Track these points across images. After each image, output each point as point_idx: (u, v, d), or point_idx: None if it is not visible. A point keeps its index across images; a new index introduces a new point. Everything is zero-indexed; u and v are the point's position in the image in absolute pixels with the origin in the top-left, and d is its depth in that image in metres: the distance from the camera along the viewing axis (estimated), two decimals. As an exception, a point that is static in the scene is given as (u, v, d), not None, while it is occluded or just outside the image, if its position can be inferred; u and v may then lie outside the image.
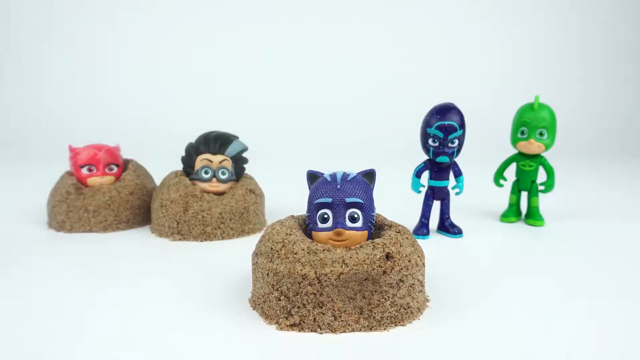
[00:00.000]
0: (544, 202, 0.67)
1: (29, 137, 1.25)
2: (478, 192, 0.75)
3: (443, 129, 0.54)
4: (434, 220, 0.61)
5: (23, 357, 0.32)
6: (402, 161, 0.79)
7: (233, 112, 1.30)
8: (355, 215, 0.37)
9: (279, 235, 0.37)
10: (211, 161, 0.57)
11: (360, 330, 0.35)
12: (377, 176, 0.41)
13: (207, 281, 0.44)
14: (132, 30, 1.39)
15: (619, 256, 0.52)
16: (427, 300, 0.40)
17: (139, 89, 1.36)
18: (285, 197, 0.71)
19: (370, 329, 0.35)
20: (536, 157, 0.62)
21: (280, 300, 0.36)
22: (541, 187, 0.62)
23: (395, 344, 0.34)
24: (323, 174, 0.40)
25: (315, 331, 0.35)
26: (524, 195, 0.65)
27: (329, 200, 0.37)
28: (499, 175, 0.65)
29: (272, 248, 0.37)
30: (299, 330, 0.35)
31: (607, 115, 1.41)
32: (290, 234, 0.37)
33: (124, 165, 0.63)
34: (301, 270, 0.35)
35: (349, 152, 1.19)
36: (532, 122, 0.59)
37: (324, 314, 0.35)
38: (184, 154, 0.59)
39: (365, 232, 0.38)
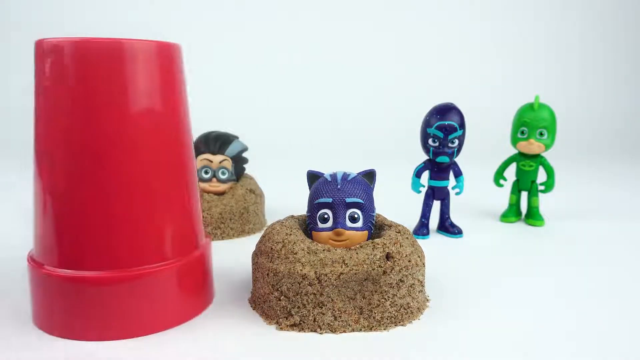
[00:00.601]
0: (544, 202, 0.67)
1: (29, 137, 1.25)
2: (478, 192, 0.75)
3: (443, 129, 0.54)
4: (434, 220, 0.61)
5: (22, 358, 0.32)
6: (402, 161, 0.79)
7: (233, 112, 1.30)
8: (356, 215, 0.37)
9: (279, 235, 0.37)
10: (211, 161, 0.57)
11: (360, 330, 0.35)
12: (377, 176, 0.41)
13: (207, 281, 0.44)
14: (132, 30, 1.39)
15: (619, 256, 0.52)
16: (427, 300, 0.40)
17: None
18: (285, 197, 0.71)
19: (370, 329, 0.35)
20: (536, 157, 0.62)
21: (280, 300, 0.36)
22: (541, 187, 0.62)
23: (395, 344, 0.34)
24: (323, 174, 0.40)
25: (315, 331, 0.35)
26: (524, 195, 0.65)
27: (329, 200, 0.37)
28: (499, 175, 0.65)
29: (272, 248, 0.37)
30: (299, 330, 0.35)
31: (607, 115, 1.41)
32: (290, 234, 0.37)
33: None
34: (301, 270, 0.35)
35: (349, 152, 1.19)
36: (532, 122, 0.59)
37: (324, 314, 0.35)
38: (184, 154, 0.59)
39: (366, 232, 0.38)
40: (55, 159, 0.33)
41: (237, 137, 0.59)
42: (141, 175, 0.34)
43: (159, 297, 0.35)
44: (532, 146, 0.60)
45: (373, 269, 0.35)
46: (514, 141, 0.61)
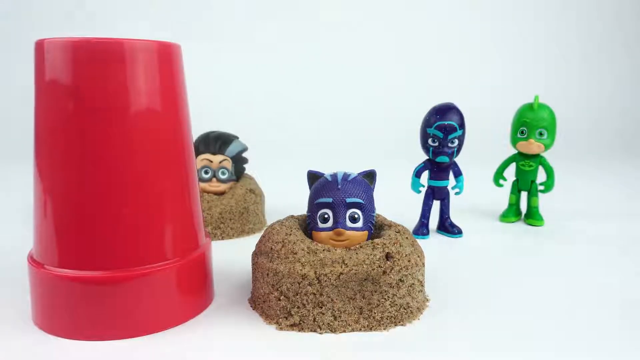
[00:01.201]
0: (544, 202, 0.67)
1: (29, 137, 1.25)
2: (478, 192, 0.75)
3: (443, 128, 0.54)
4: (433, 220, 0.61)
5: (22, 358, 0.32)
6: (402, 161, 0.79)
7: (233, 112, 1.30)
8: (356, 216, 0.37)
9: (279, 235, 0.37)
10: (211, 161, 0.57)
11: (360, 330, 0.35)
12: (377, 176, 0.41)
13: (207, 281, 0.44)
14: (132, 30, 1.39)
15: (619, 256, 0.52)
16: (427, 300, 0.40)
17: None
18: (285, 197, 0.71)
19: (370, 329, 0.35)
20: (536, 157, 0.62)
21: (280, 300, 0.36)
22: (541, 187, 0.62)
23: (395, 344, 0.34)
24: (323, 174, 0.40)
25: (315, 331, 0.35)
26: (524, 195, 0.65)
27: (330, 200, 0.37)
28: (498, 175, 0.65)
29: (272, 248, 0.37)
30: (299, 330, 0.35)
31: (607, 115, 1.41)
32: (290, 234, 0.37)
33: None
34: (301, 270, 0.35)
35: (349, 152, 1.19)
36: (532, 122, 0.59)
37: (324, 314, 0.35)
38: (184, 154, 0.59)
39: (366, 232, 0.38)
40: (55, 159, 0.33)
41: (237, 137, 0.59)
42: (141, 175, 0.34)
43: (159, 297, 0.35)
44: (532, 146, 0.60)
45: (373, 269, 0.35)
46: (514, 141, 0.61)
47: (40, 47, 0.33)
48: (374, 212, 0.39)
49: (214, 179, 0.57)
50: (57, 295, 0.34)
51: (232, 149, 0.58)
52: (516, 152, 0.63)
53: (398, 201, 0.69)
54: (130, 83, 0.32)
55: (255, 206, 0.59)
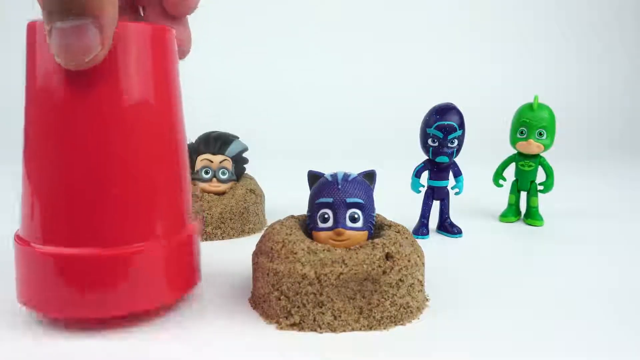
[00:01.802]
0: (543, 202, 0.67)
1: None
2: (477, 192, 0.75)
3: (442, 129, 0.54)
4: (433, 220, 0.61)
5: (23, 358, 0.32)
6: (402, 161, 0.80)
7: (233, 112, 1.30)
8: (356, 216, 0.37)
9: (279, 235, 0.37)
10: (211, 161, 0.57)
11: (360, 329, 0.35)
12: (377, 176, 0.41)
13: (207, 281, 0.44)
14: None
15: (619, 256, 0.52)
16: (427, 299, 0.40)
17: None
18: (285, 197, 0.71)
19: (370, 329, 0.35)
20: (535, 157, 0.62)
21: (280, 300, 0.36)
22: (540, 187, 0.62)
23: (395, 344, 0.34)
24: (324, 174, 0.41)
25: (315, 331, 0.35)
26: (524, 195, 0.65)
27: (330, 200, 0.37)
28: (498, 176, 0.65)
29: (272, 248, 0.37)
30: (299, 330, 0.35)
31: (607, 115, 1.41)
32: (290, 234, 0.37)
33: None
34: (301, 270, 0.35)
35: (349, 152, 1.19)
36: (532, 122, 0.59)
37: (324, 313, 0.35)
38: (184, 154, 0.59)
39: (366, 232, 0.38)
40: (43, 137, 0.33)
41: (237, 137, 0.59)
42: (129, 152, 0.34)
43: (144, 275, 0.35)
44: (531, 146, 0.60)
45: (373, 269, 0.35)
46: (513, 141, 0.61)
47: (32, 29, 0.33)
48: (374, 212, 0.39)
49: (214, 179, 0.57)
50: (42, 272, 0.34)
51: (233, 149, 0.58)
52: (516, 152, 0.63)
53: (398, 201, 0.69)
54: (122, 64, 0.32)
55: (255, 206, 0.59)
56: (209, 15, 1.39)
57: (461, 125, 0.54)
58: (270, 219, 0.63)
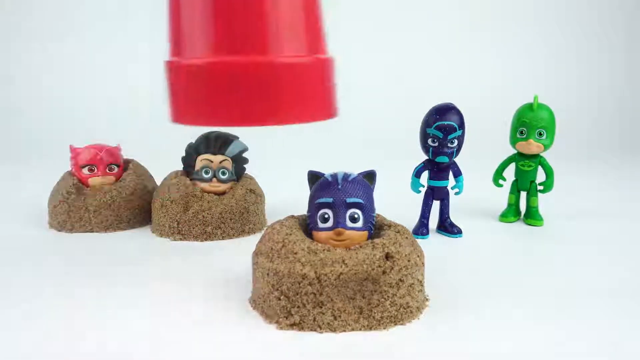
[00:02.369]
0: (543, 202, 0.67)
1: (29, 137, 1.26)
2: (477, 192, 0.75)
3: (442, 129, 0.54)
4: (433, 220, 0.61)
5: (23, 358, 0.32)
6: (402, 161, 0.80)
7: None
8: (356, 216, 0.37)
9: (279, 235, 0.38)
10: (211, 161, 0.57)
11: (360, 329, 0.35)
12: (377, 176, 0.41)
13: (207, 281, 0.44)
14: (133, 30, 1.39)
15: (619, 256, 0.52)
16: (427, 299, 0.40)
17: (139, 89, 1.36)
18: (285, 197, 0.71)
19: (370, 329, 0.35)
20: (535, 157, 0.62)
21: (280, 299, 0.36)
22: (540, 187, 0.62)
23: (395, 344, 0.34)
24: (324, 174, 0.41)
25: (315, 331, 0.35)
26: (523, 195, 0.65)
27: (330, 200, 0.37)
28: (498, 175, 0.65)
29: (272, 248, 0.37)
30: (299, 330, 0.35)
31: (607, 115, 1.41)
32: (291, 234, 0.37)
33: (125, 165, 0.64)
34: (301, 270, 0.35)
35: (349, 152, 1.19)
36: (531, 122, 0.59)
37: (323, 313, 0.35)
38: (184, 154, 0.59)
39: (366, 233, 0.38)
40: None
41: (237, 138, 0.59)
42: None
43: (302, 87, 0.34)
44: (531, 146, 0.60)
45: (373, 269, 0.35)
46: (513, 141, 0.61)
47: None
48: (374, 212, 0.39)
49: (214, 179, 0.57)
50: (203, 84, 0.33)
51: (233, 149, 0.58)
52: (516, 152, 0.63)
53: (398, 201, 0.69)
54: None
55: (255, 206, 0.59)
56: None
57: (461, 125, 0.54)
58: (270, 219, 0.63)
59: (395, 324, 0.36)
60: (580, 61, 1.46)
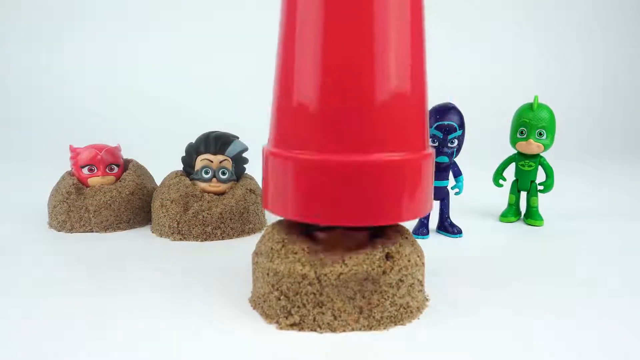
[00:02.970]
0: (543, 202, 0.67)
1: (29, 137, 1.26)
2: (477, 192, 0.75)
3: (442, 129, 0.54)
4: (433, 220, 0.61)
5: (23, 358, 0.32)
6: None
7: (233, 112, 1.30)
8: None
9: (279, 235, 0.37)
10: (211, 161, 0.57)
11: (360, 329, 0.35)
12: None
13: (207, 281, 0.44)
14: (133, 31, 1.39)
15: (619, 256, 0.52)
16: (427, 299, 0.40)
17: (139, 89, 1.36)
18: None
19: (370, 329, 0.35)
20: (535, 157, 0.62)
21: (280, 299, 0.36)
22: (540, 187, 0.62)
23: (395, 344, 0.34)
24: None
25: (315, 331, 0.35)
26: (524, 195, 0.65)
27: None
28: (498, 175, 0.65)
29: (272, 248, 0.37)
30: (299, 330, 0.35)
31: (607, 115, 1.41)
32: (291, 234, 0.37)
33: (125, 165, 0.64)
34: (301, 270, 0.35)
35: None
36: (532, 122, 0.59)
37: (323, 313, 0.35)
38: (184, 154, 0.59)
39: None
40: (303, 46, 0.34)
41: (237, 137, 0.59)
42: (392, 65, 0.34)
43: (396, 186, 0.34)
44: (531, 146, 0.60)
45: (373, 269, 0.35)
46: (513, 141, 0.61)
47: None
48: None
49: (214, 179, 0.57)
50: (303, 179, 0.34)
51: (233, 149, 0.58)
52: (516, 152, 0.63)
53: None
54: None
55: (255, 206, 0.59)
56: (211, 14, 1.39)
57: (461, 125, 0.54)
58: (270, 219, 0.63)
59: (395, 324, 0.36)
60: (581, 61, 1.46)
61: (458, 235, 0.58)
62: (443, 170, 0.57)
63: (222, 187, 0.58)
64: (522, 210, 0.65)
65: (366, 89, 0.33)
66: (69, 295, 0.41)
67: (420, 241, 0.56)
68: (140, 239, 0.57)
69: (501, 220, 0.65)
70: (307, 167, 0.34)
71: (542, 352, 0.33)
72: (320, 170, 0.34)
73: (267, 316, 0.37)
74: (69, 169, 0.62)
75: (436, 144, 0.55)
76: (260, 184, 0.63)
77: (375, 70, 0.33)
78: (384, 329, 0.36)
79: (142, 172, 0.64)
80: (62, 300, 0.40)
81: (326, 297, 0.35)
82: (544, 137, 0.59)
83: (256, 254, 0.39)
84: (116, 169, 0.61)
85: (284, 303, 0.36)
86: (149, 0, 1.40)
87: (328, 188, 0.34)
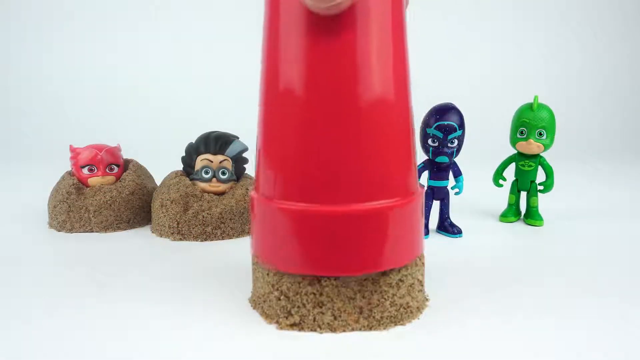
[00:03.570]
0: (543, 202, 0.67)
1: (29, 137, 1.26)
2: (477, 192, 0.75)
3: (442, 129, 0.54)
4: (433, 220, 0.61)
5: (23, 358, 0.32)
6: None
7: (233, 112, 1.30)
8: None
9: (279, 235, 0.37)
10: (211, 161, 0.57)
11: (360, 329, 0.35)
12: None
13: (207, 281, 0.44)
14: (133, 31, 1.40)
15: (619, 256, 0.52)
16: (427, 299, 0.40)
17: (139, 89, 1.36)
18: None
19: (370, 329, 0.35)
20: (535, 157, 0.62)
21: (280, 299, 0.36)
22: (540, 187, 0.62)
23: (395, 344, 0.34)
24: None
25: (315, 331, 0.35)
26: (523, 195, 0.65)
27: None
28: (498, 175, 0.65)
29: (272, 248, 0.37)
30: (299, 330, 0.35)
31: (607, 115, 1.41)
32: (290, 234, 0.37)
33: (125, 165, 0.64)
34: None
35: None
36: (531, 122, 0.59)
37: (323, 313, 0.35)
38: (184, 154, 0.59)
39: None
40: (289, 98, 0.34)
41: (237, 138, 0.59)
42: (373, 113, 0.34)
43: (382, 234, 0.34)
44: (531, 146, 0.60)
45: (373, 269, 0.35)
46: (513, 141, 0.61)
47: None
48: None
49: (214, 179, 0.57)
50: (284, 228, 0.34)
51: (233, 149, 0.58)
52: (516, 152, 0.63)
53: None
54: (365, 13, 0.33)
55: (255, 206, 0.59)
56: (210, 14, 1.39)
57: (461, 125, 0.54)
58: (270, 219, 0.63)
59: (395, 324, 0.36)
60: (581, 61, 1.46)
61: (458, 235, 0.58)
62: (443, 170, 0.57)
63: (222, 187, 0.58)
64: (522, 210, 0.65)
65: (343, 140, 0.33)
66: (69, 295, 0.41)
67: (420, 241, 0.56)
68: (140, 239, 0.57)
69: (501, 220, 0.65)
70: (287, 217, 0.34)
71: (542, 352, 0.33)
72: (299, 219, 0.34)
73: (267, 316, 0.37)
74: (69, 169, 0.62)
75: (436, 144, 0.55)
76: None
77: (356, 118, 0.33)
78: (384, 329, 0.36)
79: (142, 172, 0.64)
80: (62, 300, 0.40)
81: (326, 297, 0.35)
82: (544, 137, 0.59)
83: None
84: (116, 169, 0.61)
85: (284, 303, 0.36)
86: (149, 1, 1.40)
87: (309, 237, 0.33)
